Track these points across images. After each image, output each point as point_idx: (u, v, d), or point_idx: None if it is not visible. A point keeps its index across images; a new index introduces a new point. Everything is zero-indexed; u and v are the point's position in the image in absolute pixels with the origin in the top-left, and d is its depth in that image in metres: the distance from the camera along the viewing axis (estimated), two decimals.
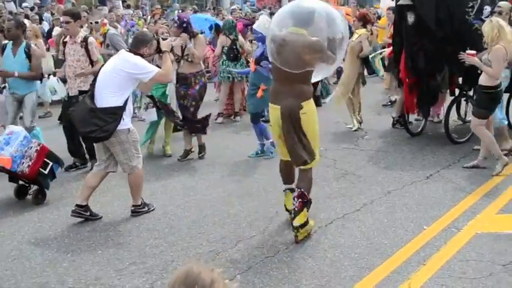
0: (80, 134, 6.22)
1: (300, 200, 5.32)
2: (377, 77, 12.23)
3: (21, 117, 8.17)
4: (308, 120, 5.37)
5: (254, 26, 8.27)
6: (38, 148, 6.49)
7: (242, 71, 9.81)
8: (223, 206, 6.28)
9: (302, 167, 5.46)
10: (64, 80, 7.90)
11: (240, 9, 19.41)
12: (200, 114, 8.21)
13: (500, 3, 8.46)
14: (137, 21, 16.59)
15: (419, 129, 9.37)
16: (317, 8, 5.50)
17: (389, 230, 5.58)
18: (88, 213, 5.96)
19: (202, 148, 8.23)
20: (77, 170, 7.77)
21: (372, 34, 11.62)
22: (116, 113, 5.75)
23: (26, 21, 11.69)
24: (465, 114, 9.39)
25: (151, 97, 7.78)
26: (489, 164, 7.50)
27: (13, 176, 6.60)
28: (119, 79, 5.79)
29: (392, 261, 4.92)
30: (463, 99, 8.93)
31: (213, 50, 11.60)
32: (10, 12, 16.95)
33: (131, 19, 16.98)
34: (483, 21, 7.70)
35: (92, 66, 7.50)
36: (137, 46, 6.01)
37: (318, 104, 9.59)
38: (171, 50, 7.12)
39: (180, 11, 18.95)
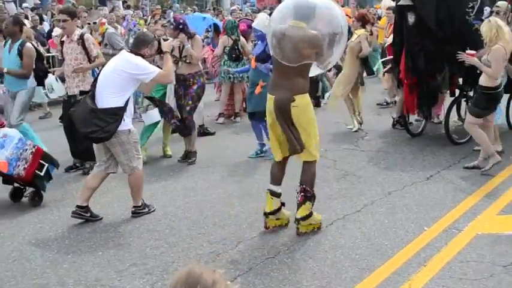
0: (80, 134, 6.21)
1: (302, 194, 5.48)
2: (376, 77, 12.25)
3: None
4: (300, 113, 5.40)
5: (254, 24, 8.26)
6: (33, 150, 6.45)
7: (241, 69, 9.77)
8: (224, 207, 6.28)
9: (304, 160, 5.55)
10: (63, 79, 7.89)
11: (240, 10, 19.41)
12: (199, 115, 8.20)
13: (498, 3, 8.47)
14: (138, 21, 16.56)
15: (419, 130, 9.36)
16: (318, 2, 5.53)
17: (389, 231, 5.57)
18: (88, 214, 5.96)
19: (192, 154, 8.11)
20: (77, 170, 7.76)
21: (371, 34, 11.59)
22: (117, 113, 5.76)
23: (25, 21, 11.71)
24: (465, 115, 9.37)
25: (151, 98, 7.74)
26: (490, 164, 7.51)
27: (8, 179, 6.54)
28: (119, 80, 5.79)
29: (392, 262, 4.92)
30: (463, 99, 8.92)
31: (213, 51, 11.57)
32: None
33: (132, 19, 16.96)
34: (483, 21, 7.70)
35: (91, 63, 7.50)
36: (138, 47, 6.01)
37: (318, 104, 9.62)
38: (171, 51, 7.10)
39: (182, 11, 18.94)
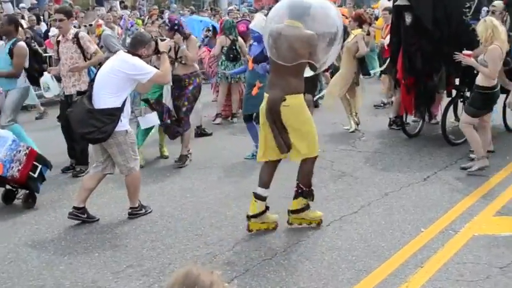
0: (77, 135, 6.20)
1: (295, 188, 5.67)
2: (373, 77, 12.26)
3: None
4: (291, 114, 5.42)
5: (251, 25, 8.24)
6: (27, 151, 6.39)
7: (237, 70, 9.72)
8: (221, 208, 6.27)
9: (294, 159, 5.62)
10: (59, 78, 7.86)
11: (238, 10, 19.41)
12: (197, 116, 8.16)
13: (494, 3, 8.49)
14: (136, 20, 16.55)
15: (416, 131, 9.37)
16: (313, 2, 5.58)
17: (386, 232, 5.57)
18: (85, 216, 5.95)
19: (183, 157, 8.02)
20: (74, 171, 7.74)
21: (368, 34, 11.62)
22: (114, 114, 5.75)
23: (22, 22, 11.69)
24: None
25: (146, 100, 7.69)
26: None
27: (1, 181, 6.43)
28: (116, 80, 5.78)
29: (389, 264, 4.92)
30: (460, 100, 8.93)
31: (210, 51, 11.55)
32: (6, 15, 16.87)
33: (129, 19, 16.94)
34: None
35: (87, 61, 7.48)
36: (135, 47, 6.00)
37: (316, 105, 9.60)
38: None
39: (181, 12, 18.90)
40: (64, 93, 7.63)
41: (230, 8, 18.22)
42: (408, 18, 8.59)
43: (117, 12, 17.83)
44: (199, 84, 8.14)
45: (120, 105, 5.79)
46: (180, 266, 4.53)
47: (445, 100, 9.25)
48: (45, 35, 14.51)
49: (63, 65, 7.53)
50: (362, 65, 9.86)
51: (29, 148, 6.49)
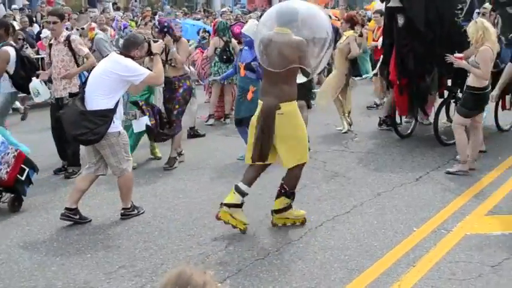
0: (70, 136, 6.17)
1: (279, 188, 5.72)
2: (365, 79, 12.29)
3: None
4: (286, 121, 5.47)
5: (243, 30, 8.24)
6: (16, 154, 6.33)
7: (225, 75, 9.68)
8: (213, 209, 6.23)
9: (288, 166, 5.63)
10: (50, 80, 7.80)
11: (231, 12, 19.41)
12: (192, 117, 8.10)
13: (485, 5, 8.55)
14: (130, 22, 16.54)
15: (408, 131, 9.40)
16: (301, 8, 5.65)
17: (379, 232, 5.59)
18: (77, 217, 5.93)
19: (171, 160, 7.98)
20: (67, 172, 7.71)
21: (361, 36, 11.65)
22: (107, 115, 5.74)
23: (14, 23, 11.65)
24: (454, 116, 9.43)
25: (135, 103, 7.63)
26: (478, 165, 7.56)
27: None
28: (109, 81, 5.77)
29: (382, 263, 4.93)
30: (452, 101, 8.97)
31: (203, 53, 11.54)
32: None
33: (121, 20, 16.93)
34: None
35: (78, 65, 7.45)
36: (128, 48, 5.99)
37: (309, 106, 9.58)
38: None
39: (176, 15, 18.88)
40: (54, 96, 7.57)
41: (223, 9, 18.23)
42: (400, 20, 8.62)
43: (109, 14, 17.82)
44: (189, 87, 8.09)
45: (112, 107, 5.78)
46: (173, 267, 4.51)
47: (438, 101, 9.29)
48: (38, 37, 14.48)
49: (55, 68, 7.48)
50: (354, 67, 9.89)
51: (18, 150, 6.42)
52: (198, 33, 13.90)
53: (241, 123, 7.98)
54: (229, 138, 9.62)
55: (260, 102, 5.60)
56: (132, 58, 5.93)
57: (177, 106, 7.89)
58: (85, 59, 7.47)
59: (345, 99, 9.78)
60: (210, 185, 7.16)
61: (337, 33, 12.71)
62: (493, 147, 8.46)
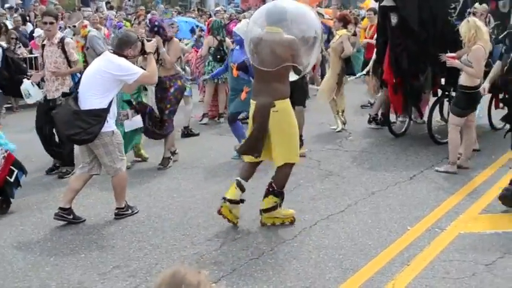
0: (63, 136, 6.14)
1: (267, 187, 5.71)
2: (359, 78, 12.29)
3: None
4: (280, 118, 5.53)
5: (234, 29, 8.24)
6: (5, 155, 6.27)
7: (216, 72, 9.66)
8: (208, 208, 6.26)
9: (278, 164, 5.67)
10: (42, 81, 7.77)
11: (225, 11, 19.39)
12: (186, 117, 8.03)
13: (476, 5, 8.59)
14: (125, 22, 16.49)
15: (402, 130, 9.42)
16: (290, 7, 5.71)
17: (373, 231, 5.60)
18: (71, 216, 5.92)
19: (165, 160, 7.93)
20: (58, 171, 7.67)
21: (355, 35, 11.66)
22: (100, 115, 5.73)
23: (7, 22, 11.59)
24: (448, 115, 9.44)
25: (129, 102, 7.60)
26: (472, 164, 7.58)
27: None
28: (102, 81, 5.76)
29: (376, 262, 4.94)
30: (445, 99, 8.99)
31: (197, 52, 11.53)
32: None
33: (115, 19, 16.88)
34: None
35: (70, 67, 7.43)
36: (121, 48, 5.97)
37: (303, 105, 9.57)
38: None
39: (171, 15, 18.81)
40: (46, 97, 7.53)
41: (217, 8, 18.21)
42: (394, 19, 8.63)
43: (103, 13, 17.77)
44: (180, 87, 8.02)
45: (106, 106, 5.76)
46: (167, 266, 4.54)
47: (432, 100, 9.31)
48: (31, 36, 14.42)
49: (47, 69, 7.45)
50: (348, 65, 9.90)
51: (7, 152, 6.34)
52: (191, 31, 13.90)
53: (235, 120, 7.99)
54: (223, 137, 9.61)
55: (253, 102, 5.64)
56: (126, 57, 5.91)
57: (168, 106, 7.85)
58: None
59: (339, 98, 9.78)
60: (204, 184, 7.16)
61: (330, 33, 12.74)
62: (486, 146, 8.48)
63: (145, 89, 7.87)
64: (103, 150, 5.82)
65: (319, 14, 11.02)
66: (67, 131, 5.81)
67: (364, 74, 11.21)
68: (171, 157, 8.02)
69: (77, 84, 6.11)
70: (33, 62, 12.64)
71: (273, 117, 5.49)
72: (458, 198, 6.47)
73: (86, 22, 10.50)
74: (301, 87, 7.96)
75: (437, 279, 4.62)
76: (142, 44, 6.32)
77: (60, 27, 10.83)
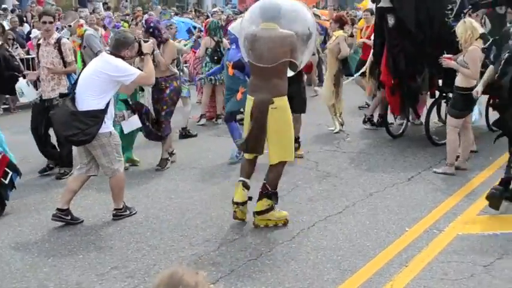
0: (61, 137, 6.13)
1: (261, 190, 5.71)
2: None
3: None
4: (278, 116, 5.55)
5: (229, 28, 8.23)
6: (0, 157, 6.26)
7: (212, 71, 9.62)
8: (206, 209, 6.26)
9: (273, 162, 5.70)
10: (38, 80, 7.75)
11: (222, 12, 19.38)
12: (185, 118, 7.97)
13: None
14: (123, 23, 16.47)
15: (400, 131, 9.43)
16: (284, 4, 5.74)
17: (371, 232, 5.60)
18: (69, 217, 5.91)
19: (163, 161, 7.89)
20: (52, 171, 7.63)
21: (352, 36, 11.67)
22: (98, 116, 5.72)
23: (4, 23, 11.56)
24: (445, 116, 9.45)
25: (126, 102, 7.58)
26: (469, 165, 7.59)
27: None
28: (99, 82, 5.75)
29: (374, 263, 4.94)
30: (443, 101, 9.00)
31: (195, 53, 11.52)
32: None
33: (113, 20, 16.85)
34: None
35: (65, 68, 7.42)
36: (118, 48, 5.96)
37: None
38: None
39: (170, 16, 18.78)
40: (41, 97, 7.50)
41: (214, 9, 18.23)
42: (391, 20, 8.64)
43: (100, 14, 17.74)
44: (176, 88, 7.97)
45: (103, 107, 5.75)
46: (165, 267, 4.53)
47: (429, 101, 9.32)
48: (28, 37, 14.39)
49: (43, 69, 7.42)
50: (345, 66, 9.91)
51: (2, 153, 6.31)
52: (187, 31, 13.87)
53: (232, 118, 7.98)
54: (221, 138, 9.60)
55: (250, 98, 5.62)
56: (123, 58, 5.90)
57: (164, 107, 7.82)
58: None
59: (336, 100, 9.79)
60: (202, 185, 7.15)
61: (326, 33, 12.76)
62: (484, 147, 8.49)
63: (142, 90, 7.85)
64: (101, 151, 5.81)
65: (316, 15, 11.01)
66: (65, 131, 5.80)
67: (359, 75, 11.24)
68: (169, 158, 8.00)
69: (73, 85, 6.09)
70: (30, 62, 12.62)
71: (271, 114, 5.49)
72: (456, 199, 6.48)
73: (82, 21, 10.47)
74: (300, 94, 7.92)
75: (435, 281, 4.63)
76: (140, 45, 6.31)
77: (58, 28, 10.80)
